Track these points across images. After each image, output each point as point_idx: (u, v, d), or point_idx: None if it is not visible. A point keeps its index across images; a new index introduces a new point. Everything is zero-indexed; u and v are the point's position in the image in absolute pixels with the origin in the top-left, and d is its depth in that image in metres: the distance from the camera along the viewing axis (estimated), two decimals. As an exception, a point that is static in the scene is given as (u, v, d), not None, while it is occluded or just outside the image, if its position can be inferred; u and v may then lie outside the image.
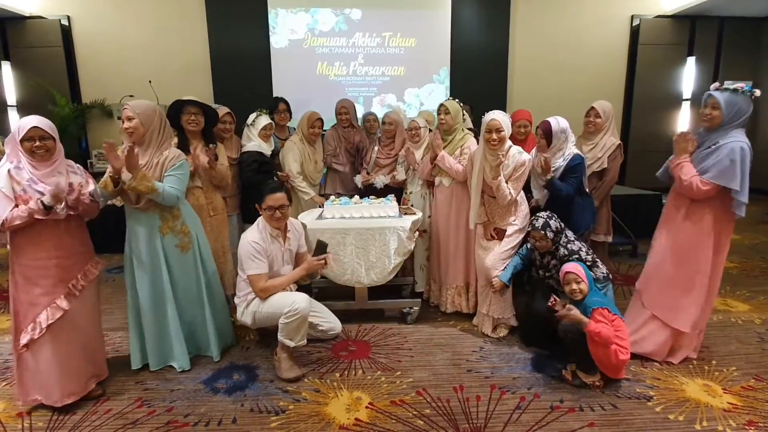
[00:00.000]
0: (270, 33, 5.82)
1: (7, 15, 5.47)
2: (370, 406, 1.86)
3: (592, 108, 2.62)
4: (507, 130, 2.25)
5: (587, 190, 2.51)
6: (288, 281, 2.15)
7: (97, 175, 2.07)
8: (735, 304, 2.82)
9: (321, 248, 2.16)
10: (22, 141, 1.73)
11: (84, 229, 1.95)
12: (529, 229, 2.23)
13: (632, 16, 6.12)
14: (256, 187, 2.68)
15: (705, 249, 2.00)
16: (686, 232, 2.02)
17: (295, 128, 3.24)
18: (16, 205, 1.70)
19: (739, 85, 1.90)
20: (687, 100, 6.24)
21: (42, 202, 1.69)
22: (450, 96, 5.91)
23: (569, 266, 2.00)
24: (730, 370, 2.08)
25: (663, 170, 2.13)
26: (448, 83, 6.04)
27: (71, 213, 1.78)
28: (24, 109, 5.73)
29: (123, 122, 1.98)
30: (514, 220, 2.36)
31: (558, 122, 2.32)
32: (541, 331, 2.18)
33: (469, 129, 2.85)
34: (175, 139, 2.38)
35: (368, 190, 3.08)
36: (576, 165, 2.32)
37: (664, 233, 2.11)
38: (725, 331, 2.45)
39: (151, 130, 1.98)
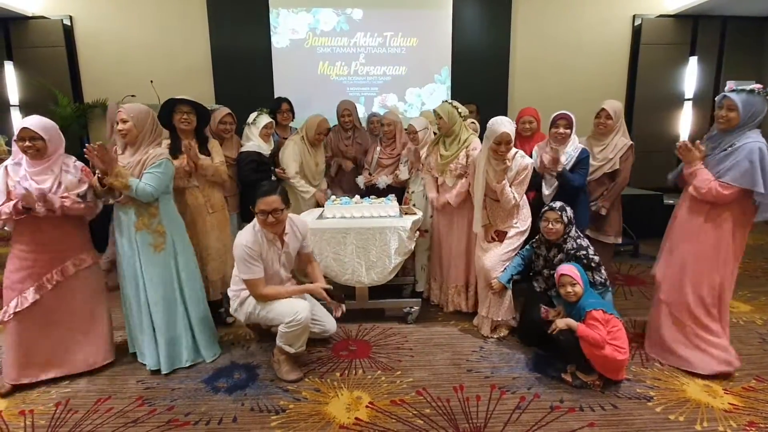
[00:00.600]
0: (271, 33, 5.82)
1: (10, 15, 5.49)
2: (370, 406, 1.86)
3: (603, 109, 2.54)
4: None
5: (602, 192, 2.55)
6: (288, 294, 2.09)
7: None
8: (736, 304, 2.81)
9: (336, 298, 2.14)
10: (17, 140, 1.89)
11: (73, 227, 2.01)
12: (545, 209, 2.20)
13: (634, 16, 6.10)
14: (253, 186, 2.70)
15: (727, 254, 1.94)
16: (709, 238, 1.95)
17: (296, 128, 3.24)
18: (9, 199, 1.85)
19: (756, 86, 1.87)
20: (689, 100, 6.21)
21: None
22: (451, 96, 5.96)
23: (564, 268, 2.00)
24: (731, 371, 2.07)
25: (675, 174, 2.09)
26: (449, 83, 6.04)
27: (52, 213, 1.88)
28: (26, 108, 5.75)
29: (117, 124, 2.07)
30: (515, 223, 2.36)
31: (572, 115, 2.48)
32: (539, 334, 2.18)
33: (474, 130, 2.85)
34: (167, 140, 2.39)
35: (370, 191, 3.08)
36: (585, 157, 2.44)
37: (684, 241, 2.02)
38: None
39: (144, 132, 2.08)
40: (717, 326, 2.01)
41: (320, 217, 2.60)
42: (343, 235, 2.45)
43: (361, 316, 2.64)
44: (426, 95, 6.06)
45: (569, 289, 1.96)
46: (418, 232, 2.67)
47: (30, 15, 5.64)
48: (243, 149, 2.74)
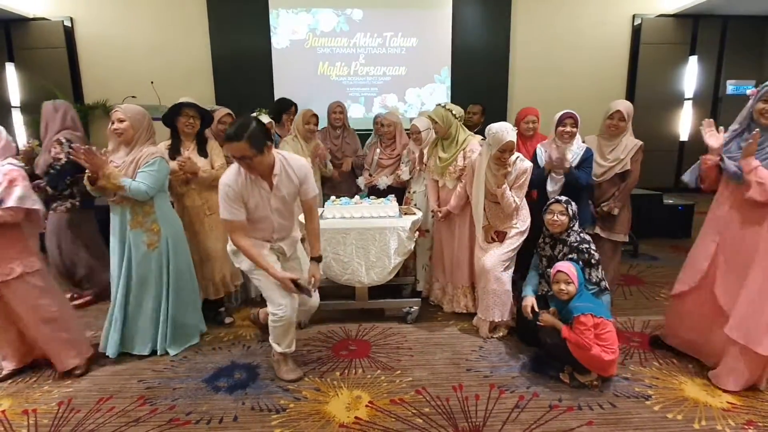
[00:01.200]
0: (271, 33, 5.83)
1: (11, 17, 5.51)
2: (370, 405, 1.87)
3: (618, 111, 2.50)
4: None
5: (613, 192, 2.57)
6: (260, 266, 1.92)
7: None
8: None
9: (305, 291, 2.02)
10: None
11: (4, 234, 1.91)
12: (550, 202, 2.21)
13: (634, 16, 6.11)
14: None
15: None
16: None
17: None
18: None
19: None
20: (689, 99, 6.21)
21: None
22: (451, 96, 5.96)
23: (562, 266, 2.00)
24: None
25: (694, 174, 2.00)
26: (449, 83, 6.05)
27: None
28: (27, 110, 5.77)
29: (112, 123, 2.09)
30: (515, 223, 2.38)
31: (577, 114, 2.53)
32: (537, 334, 2.18)
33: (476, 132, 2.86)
34: (168, 141, 2.41)
35: (371, 191, 3.10)
36: (589, 156, 2.49)
37: (743, 247, 1.85)
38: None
39: (140, 133, 2.13)
40: None
41: (320, 217, 2.61)
42: (343, 235, 2.46)
43: (361, 316, 2.65)
44: (426, 95, 6.07)
45: (563, 286, 1.96)
46: (417, 232, 2.68)
47: (31, 16, 5.67)
48: None
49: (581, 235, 2.17)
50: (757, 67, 6.16)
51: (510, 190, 2.29)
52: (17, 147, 2.14)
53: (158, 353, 2.28)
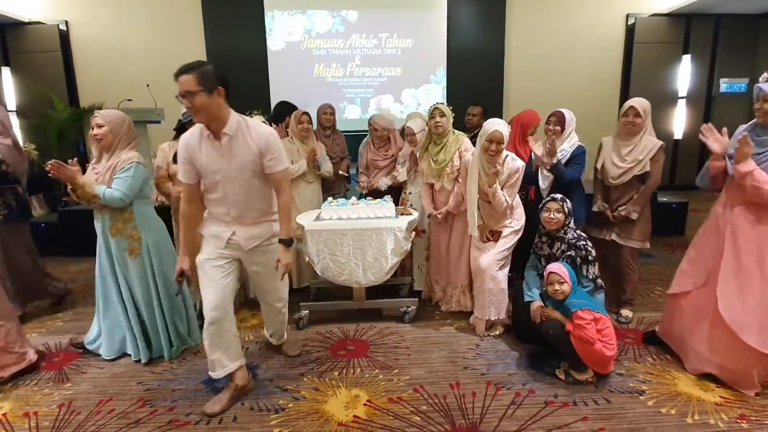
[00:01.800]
0: (267, 35, 5.85)
1: (7, 21, 5.51)
2: (368, 404, 1.89)
3: (631, 107, 2.37)
4: (506, 142, 2.30)
5: (632, 195, 2.45)
6: (180, 240, 1.88)
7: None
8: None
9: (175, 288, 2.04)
10: None
11: None
12: (546, 200, 2.22)
13: (627, 15, 6.15)
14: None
15: None
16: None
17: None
18: None
19: None
20: (683, 98, 6.27)
21: None
22: (447, 96, 5.99)
23: (553, 267, 2.03)
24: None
25: (705, 176, 1.97)
26: (444, 83, 6.08)
27: None
28: (23, 113, 5.77)
29: (92, 129, 2.08)
30: (509, 222, 2.40)
31: (569, 112, 2.51)
32: (533, 332, 2.20)
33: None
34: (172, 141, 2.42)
35: (369, 192, 3.11)
36: (580, 153, 2.48)
37: (744, 250, 1.85)
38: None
39: (119, 138, 2.11)
40: None
41: (317, 218, 2.63)
42: (340, 236, 2.48)
43: (359, 316, 2.67)
44: (422, 96, 6.09)
45: (557, 287, 1.99)
46: (414, 233, 2.70)
47: (26, 20, 5.66)
48: None
49: (577, 231, 2.20)
50: (749, 65, 6.22)
51: (502, 189, 2.31)
52: None
53: (166, 358, 2.27)
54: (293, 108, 3.34)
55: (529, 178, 2.60)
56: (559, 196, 2.21)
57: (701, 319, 1.98)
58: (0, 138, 2.51)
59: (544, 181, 2.54)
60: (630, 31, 6.15)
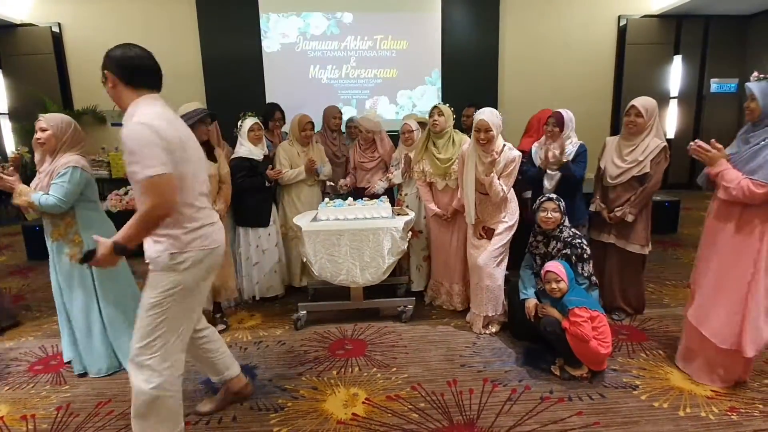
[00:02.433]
0: (262, 37, 5.86)
1: (-1, 23, 5.47)
2: (366, 402, 1.91)
3: (632, 106, 2.34)
4: (495, 129, 2.28)
5: (629, 197, 2.41)
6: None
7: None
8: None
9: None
10: None
11: None
12: (542, 200, 2.23)
13: (619, 16, 6.23)
14: (248, 191, 2.73)
15: (751, 257, 1.78)
16: (733, 243, 1.82)
17: (287, 133, 3.26)
18: None
19: None
20: (674, 98, 6.36)
21: None
22: (442, 97, 6.03)
23: (550, 265, 2.06)
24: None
25: (704, 177, 1.97)
26: (440, 84, 6.11)
27: None
28: (16, 116, 5.73)
29: (36, 132, 2.03)
30: (504, 217, 2.42)
31: (567, 113, 2.54)
32: (530, 329, 2.23)
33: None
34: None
35: (358, 194, 3.11)
36: (583, 152, 2.53)
37: (716, 247, 1.88)
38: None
39: (63, 141, 2.04)
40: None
41: (314, 219, 2.65)
42: (337, 236, 2.49)
43: (357, 316, 2.69)
44: (417, 97, 6.13)
45: (554, 285, 2.02)
46: (411, 233, 2.72)
47: (18, 22, 5.62)
48: (233, 156, 2.78)
49: (573, 230, 2.23)
50: (739, 65, 6.32)
51: (499, 178, 2.32)
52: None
53: (95, 375, 2.16)
54: (270, 109, 3.32)
55: (532, 179, 2.60)
56: (554, 195, 2.24)
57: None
58: None
59: (550, 181, 2.54)
60: (622, 32, 6.23)
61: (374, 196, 3.03)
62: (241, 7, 5.78)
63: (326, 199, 2.87)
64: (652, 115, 2.35)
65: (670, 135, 6.33)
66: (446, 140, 2.63)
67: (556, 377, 2.04)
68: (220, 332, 2.53)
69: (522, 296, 2.22)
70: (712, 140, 1.84)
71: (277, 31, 5.87)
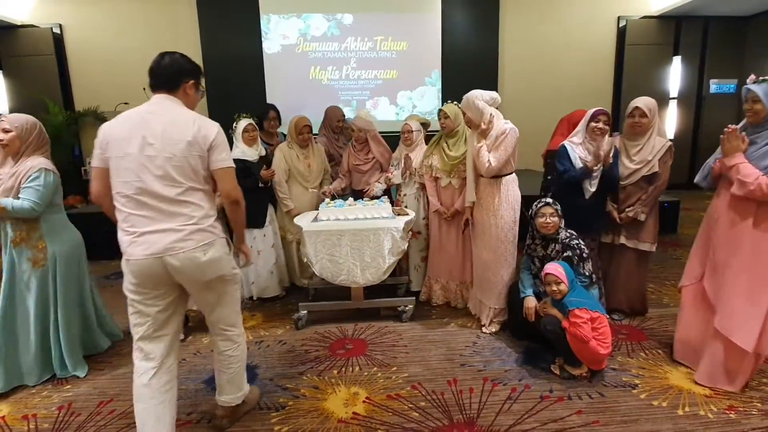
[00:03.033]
0: (262, 39, 5.87)
1: None
2: (367, 401, 1.92)
3: (637, 107, 2.34)
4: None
5: (639, 196, 2.41)
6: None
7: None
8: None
9: None
10: None
11: None
12: (539, 205, 2.22)
13: (618, 17, 6.25)
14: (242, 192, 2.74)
15: None
16: (753, 243, 1.81)
17: (285, 134, 3.24)
18: None
19: None
20: (674, 98, 6.38)
21: None
22: (442, 97, 6.04)
23: (550, 267, 2.06)
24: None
25: (705, 175, 1.96)
26: (440, 85, 6.13)
27: None
28: (18, 117, 5.75)
29: None
30: (498, 206, 2.37)
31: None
32: (530, 329, 2.24)
33: None
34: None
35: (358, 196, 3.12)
36: (617, 152, 2.41)
37: (730, 245, 1.87)
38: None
39: (28, 143, 2.00)
40: None
41: (315, 219, 2.66)
42: (337, 236, 2.50)
43: (357, 316, 2.70)
44: (417, 98, 6.14)
45: (554, 287, 2.03)
46: (410, 233, 2.73)
47: (19, 24, 5.64)
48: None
49: (569, 231, 2.23)
50: (738, 66, 6.34)
51: (489, 152, 2.32)
52: None
53: (57, 377, 2.13)
54: (264, 110, 3.32)
55: (575, 182, 2.38)
56: (551, 200, 2.23)
57: (699, 313, 2.02)
58: None
59: (591, 184, 2.38)
60: (621, 33, 6.25)
61: (374, 197, 3.04)
62: (242, 8, 5.80)
63: (327, 200, 2.88)
64: (655, 114, 2.37)
65: (670, 136, 6.34)
66: (457, 139, 2.64)
67: (555, 376, 2.04)
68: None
69: (522, 295, 2.23)
70: (743, 133, 1.83)
71: (277, 33, 5.89)
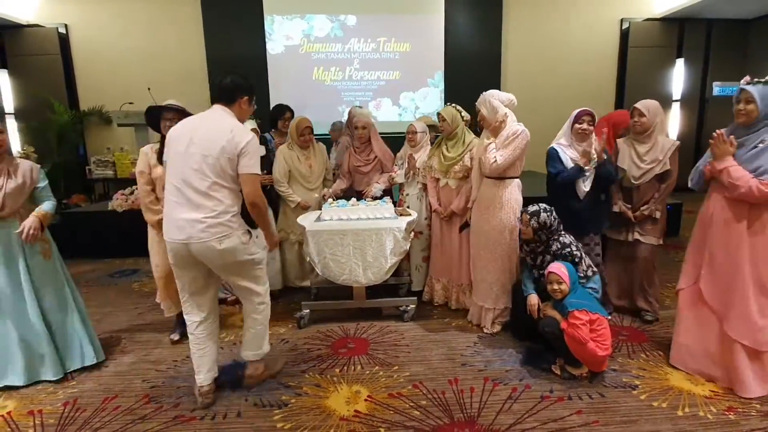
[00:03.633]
0: (266, 39, 5.91)
1: (5, 23, 5.54)
2: (368, 399, 1.94)
3: (635, 108, 2.46)
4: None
5: (652, 194, 2.47)
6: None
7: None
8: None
9: None
10: None
11: None
12: (522, 211, 2.26)
13: (622, 20, 6.26)
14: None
15: None
16: (753, 245, 1.82)
17: None
18: None
19: None
20: (677, 101, 6.38)
21: None
22: (445, 99, 6.06)
23: (553, 267, 2.07)
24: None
25: (697, 178, 1.97)
26: (442, 86, 6.15)
27: None
28: (22, 117, 5.79)
29: None
30: (497, 207, 2.39)
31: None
32: (530, 329, 2.25)
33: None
34: (156, 144, 2.39)
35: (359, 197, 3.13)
36: (608, 153, 2.47)
37: (728, 246, 1.88)
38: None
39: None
40: None
41: (318, 219, 2.68)
42: (340, 236, 2.52)
43: (359, 315, 2.72)
44: (420, 99, 6.16)
45: (555, 287, 2.04)
46: (412, 233, 2.75)
47: (25, 23, 5.69)
48: None
49: (561, 240, 2.19)
50: (741, 68, 6.33)
51: (497, 150, 2.33)
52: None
53: (86, 363, 2.19)
54: (282, 109, 3.35)
55: (567, 183, 2.39)
56: (532, 209, 2.19)
57: (699, 318, 2.02)
58: None
59: (585, 183, 2.41)
60: (624, 35, 6.26)
61: (374, 197, 3.06)
62: (246, 9, 5.83)
63: (329, 200, 2.90)
64: (655, 113, 2.43)
65: (673, 138, 6.34)
66: (456, 141, 2.66)
67: (556, 377, 2.06)
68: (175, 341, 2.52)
69: (525, 293, 2.25)
70: (731, 136, 1.85)
71: (281, 33, 5.92)
